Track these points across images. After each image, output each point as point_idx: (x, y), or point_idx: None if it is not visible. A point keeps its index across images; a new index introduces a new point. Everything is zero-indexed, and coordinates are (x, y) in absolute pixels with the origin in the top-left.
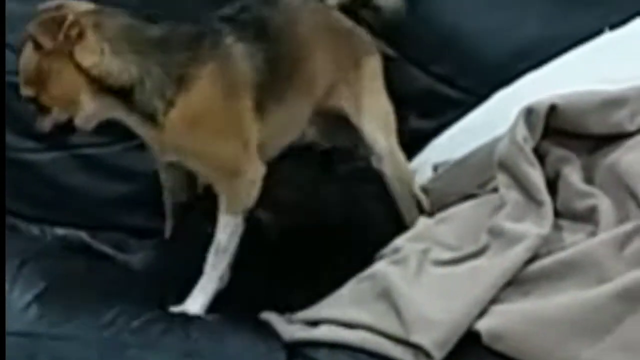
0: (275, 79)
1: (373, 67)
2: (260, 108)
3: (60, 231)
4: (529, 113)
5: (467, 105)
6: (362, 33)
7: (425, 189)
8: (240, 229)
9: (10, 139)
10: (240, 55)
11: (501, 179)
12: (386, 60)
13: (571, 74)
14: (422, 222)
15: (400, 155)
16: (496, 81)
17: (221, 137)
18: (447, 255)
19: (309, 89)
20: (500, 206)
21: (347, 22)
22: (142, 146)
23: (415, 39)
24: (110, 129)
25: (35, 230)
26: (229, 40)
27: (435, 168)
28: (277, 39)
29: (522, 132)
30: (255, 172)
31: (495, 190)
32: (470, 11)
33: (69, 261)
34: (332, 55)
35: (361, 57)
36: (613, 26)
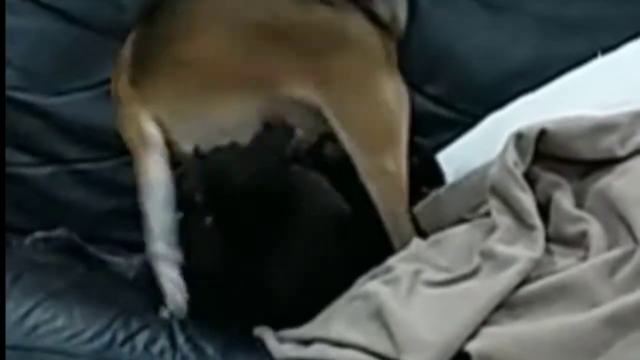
0: (151, 61)
1: (352, 64)
2: (136, 86)
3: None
4: (519, 138)
5: (461, 126)
6: (338, 22)
7: (418, 212)
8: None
9: (6, 153)
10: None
11: (493, 204)
12: None
13: (564, 98)
14: (415, 244)
15: (392, 177)
16: (491, 103)
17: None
18: (439, 276)
19: (219, 84)
20: (492, 230)
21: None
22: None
23: (410, 59)
24: (106, 145)
25: (29, 243)
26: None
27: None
28: (167, 23)
29: (512, 157)
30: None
31: (487, 214)
32: (465, 32)
33: (64, 274)
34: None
35: (327, 51)
36: (606, 50)
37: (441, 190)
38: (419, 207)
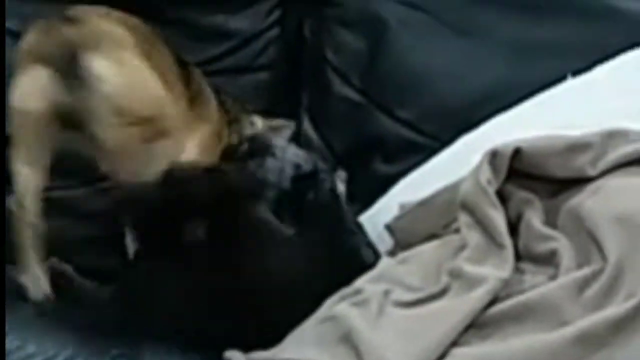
0: None
1: None
2: None
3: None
4: (493, 156)
5: (431, 150)
6: None
7: (389, 228)
8: None
9: None
10: None
11: (463, 220)
12: None
13: (535, 119)
14: (384, 262)
15: None
16: (460, 126)
17: None
18: (408, 296)
19: None
20: (461, 247)
21: None
22: (106, 190)
23: (381, 84)
24: (75, 173)
25: None
26: None
27: (403, 208)
28: None
29: (486, 174)
30: None
31: (458, 230)
32: (435, 56)
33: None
34: None
35: None
36: (576, 73)
37: (414, 206)
38: (391, 222)
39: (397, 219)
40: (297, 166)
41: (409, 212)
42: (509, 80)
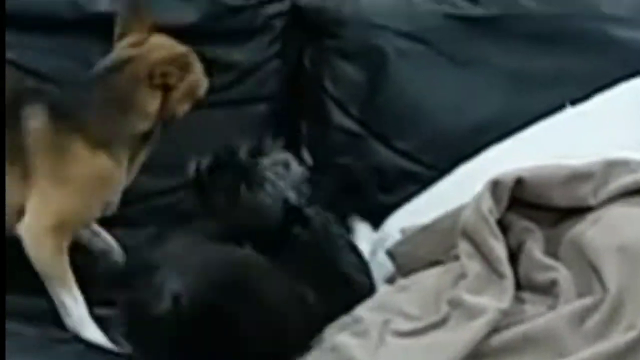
0: None
1: None
2: None
3: None
4: (495, 185)
5: (429, 180)
6: None
7: (390, 253)
8: None
9: None
10: None
11: (464, 248)
12: None
13: (533, 149)
14: (384, 290)
15: None
16: (458, 156)
17: None
18: (407, 325)
19: None
20: (461, 276)
21: None
22: None
23: (380, 115)
24: None
25: None
26: None
27: (405, 232)
28: None
29: (487, 203)
30: None
31: (458, 257)
32: (433, 87)
33: None
34: None
35: None
36: (574, 102)
37: (416, 231)
38: (393, 247)
39: (399, 244)
40: (285, 200)
41: (410, 237)
42: (507, 110)
